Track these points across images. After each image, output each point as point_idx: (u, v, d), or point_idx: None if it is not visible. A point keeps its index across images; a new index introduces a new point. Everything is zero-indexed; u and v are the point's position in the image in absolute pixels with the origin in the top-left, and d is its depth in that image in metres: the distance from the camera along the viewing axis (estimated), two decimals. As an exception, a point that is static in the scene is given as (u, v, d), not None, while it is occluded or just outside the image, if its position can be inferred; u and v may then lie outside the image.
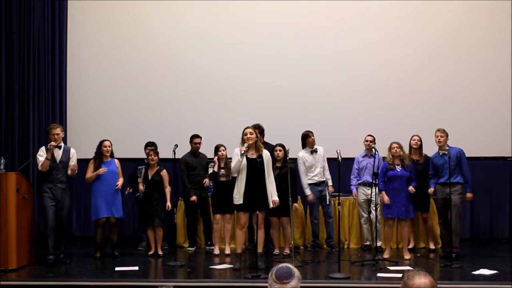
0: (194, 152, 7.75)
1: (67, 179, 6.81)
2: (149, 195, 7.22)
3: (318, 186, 7.62)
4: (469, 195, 6.85)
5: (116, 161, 7.23)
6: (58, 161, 6.67)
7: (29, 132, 8.59)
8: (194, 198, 7.49)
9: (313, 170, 7.62)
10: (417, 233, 7.72)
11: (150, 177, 7.22)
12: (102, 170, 7.01)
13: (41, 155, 6.61)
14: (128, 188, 7.78)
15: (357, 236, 7.92)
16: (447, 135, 6.83)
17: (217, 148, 7.39)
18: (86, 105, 8.83)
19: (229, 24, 8.76)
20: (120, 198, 7.21)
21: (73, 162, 6.77)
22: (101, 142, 7.16)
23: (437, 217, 7.31)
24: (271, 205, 6.23)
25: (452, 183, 6.69)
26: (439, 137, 6.81)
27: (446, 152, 6.71)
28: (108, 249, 7.20)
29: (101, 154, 7.10)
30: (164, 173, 7.24)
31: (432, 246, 7.55)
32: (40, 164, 6.59)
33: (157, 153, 7.29)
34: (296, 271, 2.73)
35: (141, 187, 7.33)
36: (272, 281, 2.70)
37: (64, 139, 8.53)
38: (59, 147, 6.70)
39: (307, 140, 7.64)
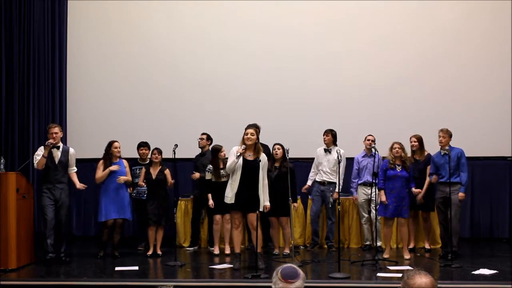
0: (200, 149, 7.83)
1: (67, 179, 6.78)
2: (154, 194, 7.21)
3: (321, 185, 7.66)
4: (461, 194, 6.78)
5: (125, 161, 7.23)
6: (57, 162, 6.63)
7: (29, 132, 8.60)
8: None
9: (321, 168, 7.67)
10: (418, 232, 7.71)
11: (154, 177, 7.22)
12: (114, 167, 7.00)
13: (39, 154, 6.58)
14: (129, 189, 7.78)
15: (357, 236, 7.92)
16: (450, 136, 6.83)
17: (219, 150, 7.38)
18: (86, 105, 8.83)
19: (229, 24, 8.76)
20: (129, 199, 7.22)
21: (72, 162, 6.73)
22: (111, 143, 7.15)
23: (437, 217, 7.31)
24: (261, 208, 6.20)
25: (452, 183, 6.69)
26: (441, 138, 6.82)
27: (447, 152, 6.71)
28: (109, 249, 7.20)
29: (110, 155, 7.10)
30: (167, 171, 7.26)
31: (427, 246, 7.54)
32: (36, 162, 6.55)
33: (160, 152, 7.30)
34: (301, 272, 2.76)
35: (142, 183, 7.28)
36: (277, 279, 2.71)
37: (64, 139, 8.56)
38: (58, 147, 6.65)
39: (323, 137, 7.69)
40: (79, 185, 6.89)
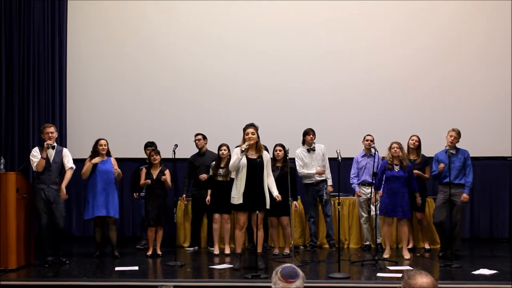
0: (198, 150, 7.82)
1: (61, 180, 6.62)
2: (154, 194, 7.19)
3: (315, 185, 7.63)
4: (464, 195, 6.74)
5: (113, 160, 7.20)
6: (51, 162, 6.53)
7: (29, 132, 8.61)
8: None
9: (310, 169, 7.62)
10: (416, 233, 7.71)
11: (155, 177, 7.21)
12: (96, 159, 7.00)
13: (35, 155, 6.48)
14: (135, 194, 7.74)
15: (357, 236, 7.92)
16: (460, 137, 6.80)
17: (219, 148, 7.40)
18: (86, 105, 8.84)
19: (229, 24, 8.77)
20: (116, 197, 7.17)
21: (66, 161, 6.62)
22: (97, 141, 7.15)
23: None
24: (267, 206, 6.19)
25: (457, 185, 6.68)
26: (453, 137, 6.75)
27: (454, 152, 6.70)
28: (108, 248, 7.20)
29: (96, 153, 7.10)
30: (168, 172, 7.26)
31: (427, 246, 7.53)
32: (35, 164, 6.46)
33: (158, 153, 7.29)
34: (301, 272, 2.77)
35: (143, 181, 7.24)
36: (277, 279, 2.71)
37: (64, 139, 8.58)
38: (53, 147, 6.57)
39: (305, 137, 7.66)
40: (63, 186, 6.51)
